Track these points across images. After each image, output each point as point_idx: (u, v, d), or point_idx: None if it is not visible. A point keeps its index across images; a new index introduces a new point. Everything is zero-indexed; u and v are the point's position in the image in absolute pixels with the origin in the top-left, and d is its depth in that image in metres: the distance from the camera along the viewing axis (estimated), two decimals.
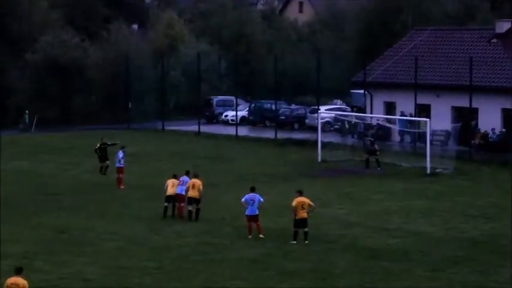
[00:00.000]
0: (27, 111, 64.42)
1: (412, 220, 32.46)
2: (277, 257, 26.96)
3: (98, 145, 41.41)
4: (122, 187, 38.97)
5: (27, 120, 64.30)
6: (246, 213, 29.29)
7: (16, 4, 70.12)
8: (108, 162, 41.11)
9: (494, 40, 53.58)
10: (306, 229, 28.52)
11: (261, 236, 29.09)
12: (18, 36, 69.90)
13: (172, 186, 32.58)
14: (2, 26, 69.20)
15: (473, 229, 31.03)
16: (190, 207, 31.91)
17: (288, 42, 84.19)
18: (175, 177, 33.19)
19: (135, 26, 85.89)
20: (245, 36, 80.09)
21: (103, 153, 41.18)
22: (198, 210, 31.82)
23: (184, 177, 32.60)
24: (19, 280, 19.83)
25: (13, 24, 70.06)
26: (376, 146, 45.10)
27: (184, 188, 31.93)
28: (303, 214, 28.46)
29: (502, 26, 54.04)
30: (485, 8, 75.39)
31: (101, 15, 79.59)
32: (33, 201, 36.29)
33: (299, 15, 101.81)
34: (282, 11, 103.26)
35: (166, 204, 32.58)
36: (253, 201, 29.10)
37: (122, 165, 39.14)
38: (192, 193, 31.52)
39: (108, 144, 41.33)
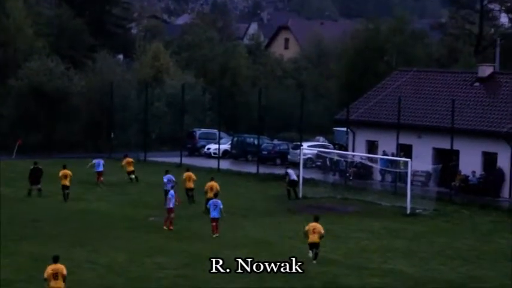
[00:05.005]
0: None
1: (391, 260, 32.57)
2: None
3: (32, 167, 44.77)
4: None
5: None
6: (210, 216, 35.18)
7: (1, 31, 70.13)
8: (39, 185, 44.22)
9: (477, 84, 54.13)
10: (316, 250, 30.95)
11: (216, 235, 34.66)
12: (3, 62, 69.84)
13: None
14: None
15: (451, 271, 31.18)
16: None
17: (273, 78, 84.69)
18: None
19: (121, 56, 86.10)
20: (230, 69, 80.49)
21: (36, 176, 44.37)
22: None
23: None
24: None
25: None
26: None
27: None
28: (313, 238, 30.81)
29: (485, 71, 54.63)
30: (469, 51, 76.26)
31: (86, 44, 79.80)
32: (12, 228, 36.11)
33: (284, 51, 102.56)
34: (267, 46, 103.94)
35: None
36: (216, 206, 35.15)
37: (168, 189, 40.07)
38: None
39: (40, 169, 44.54)
